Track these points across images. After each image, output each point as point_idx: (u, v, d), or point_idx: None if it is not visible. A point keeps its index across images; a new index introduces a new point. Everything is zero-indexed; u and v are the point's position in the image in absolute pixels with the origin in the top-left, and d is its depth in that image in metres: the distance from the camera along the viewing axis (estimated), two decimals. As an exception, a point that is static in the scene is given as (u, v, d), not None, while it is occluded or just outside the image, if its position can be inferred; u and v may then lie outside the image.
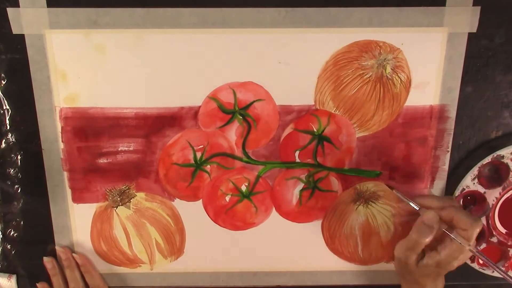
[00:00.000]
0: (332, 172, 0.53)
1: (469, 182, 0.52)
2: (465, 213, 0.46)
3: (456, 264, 0.46)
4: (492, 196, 0.53)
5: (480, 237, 0.55)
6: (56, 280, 0.54)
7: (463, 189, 0.53)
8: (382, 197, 0.54)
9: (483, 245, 0.55)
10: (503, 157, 0.51)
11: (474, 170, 0.52)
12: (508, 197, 0.54)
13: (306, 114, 0.50)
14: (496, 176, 0.53)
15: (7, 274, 0.55)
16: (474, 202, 0.54)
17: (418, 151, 0.52)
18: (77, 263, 0.54)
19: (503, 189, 0.53)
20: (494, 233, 0.55)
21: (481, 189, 0.53)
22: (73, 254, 0.54)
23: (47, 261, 0.54)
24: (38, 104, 0.49)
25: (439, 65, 0.49)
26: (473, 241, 0.45)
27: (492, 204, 0.54)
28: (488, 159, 0.51)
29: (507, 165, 0.52)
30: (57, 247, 0.54)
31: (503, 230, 0.55)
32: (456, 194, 0.53)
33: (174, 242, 0.55)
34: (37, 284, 0.55)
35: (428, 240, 0.46)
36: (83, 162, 0.51)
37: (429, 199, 0.48)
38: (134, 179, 0.52)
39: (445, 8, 0.46)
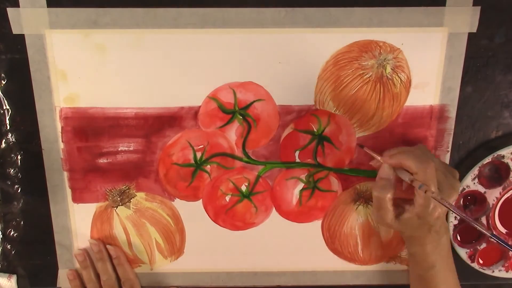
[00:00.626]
0: (332, 172, 0.53)
1: (470, 182, 0.52)
2: (412, 157, 0.44)
3: (435, 213, 0.44)
4: (493, 196, 0.53)
5: (480, 237, 0.55)
6: (87, 273, 0.53)
7: (464, 189, 0.53)
8: (382, 197, 0.54)
9: (483, 245, 0.55)
10: (503, 157, 0.51)
11: (475, 170, 0.52)
12: (508, 197, 0.54)
13: (306, 114, 0.50)
14: (497, 176, 0.53)
15: (7, 274, 0.55)
16: (474, 202, 0.54)
17: (418, 151, 0.52)
18: (109, 256, 0.54)
19: (503, 189, 0.53)
20: (494, 233, 0.55)
21: (481, 189, 0.53)
22: (108, 246, 0.54)
23: (78, 254, 0.53)
24: (38, 104, 0.49)
25: (439, 65, 0.49)
26: (433, 186, 0.42)
27: (493, 204, 0.54)
28: (488, 159, 0.51)
29: (507, 165, 0.52)
30: (89, 240, 0.54)
31: (503, 230, 0.55)
32: None
33: (174, 242, 0.55)
34: (67, 273, 0.54)
35: (389, 195, 0.44)
36: (83, 162, 0.51)
37: (397, 156, 0.46)
38: (134, 179, 0.52)
39: (445, 8, 0.46)
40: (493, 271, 0.57)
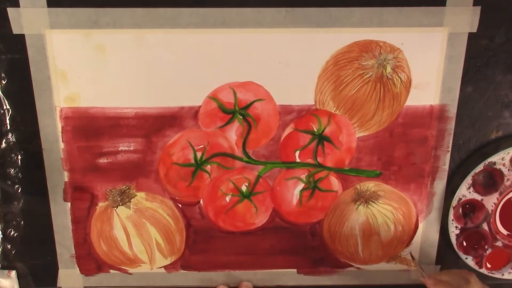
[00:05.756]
0: (332, 172, 0.53)
1: (465, 192, 0.52)
2: None
3: None
4: (490, 202, 0.53)
5: (484, 243, 0.55)
6: None
7: (460, 198, 0.53)
8: (382, 197, 0.54)
9: (489, 250, 0.55)
10: (494, 163, 0.51)
11: (468, 180, 0.51)
12: (506, 201, 0.53)
13: (306, 114, 0.50)
14: (492, 182, 0.53)
15: (6, 271, 0.55)
16: (473, 210, 0.54)
17: (418, 151, 0.52)
18: None
19: (500, 194, 0.53)
20: (497, 237, 0.55)
21: (478, 197, 0.53)
22: None
23: None
24: (38, 104, 0.49)
25: (439, 65, 0.49)
26: None
27: (492, 210, 0.54)
28: (480, 167, 0.51)
29: (500, 171, 0.52)
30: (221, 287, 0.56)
31: (506, 232, 0.55)
32: (454, 205, 0.53)
33: (174, 242, 0.55)
34: None
35: None
36: (83, 162, 0.51)
37: (441, 275, 0.49)
38: (134, 179, 0.52)
39: (445, 8, 0.46)
40: (503, 274, 0.56)
